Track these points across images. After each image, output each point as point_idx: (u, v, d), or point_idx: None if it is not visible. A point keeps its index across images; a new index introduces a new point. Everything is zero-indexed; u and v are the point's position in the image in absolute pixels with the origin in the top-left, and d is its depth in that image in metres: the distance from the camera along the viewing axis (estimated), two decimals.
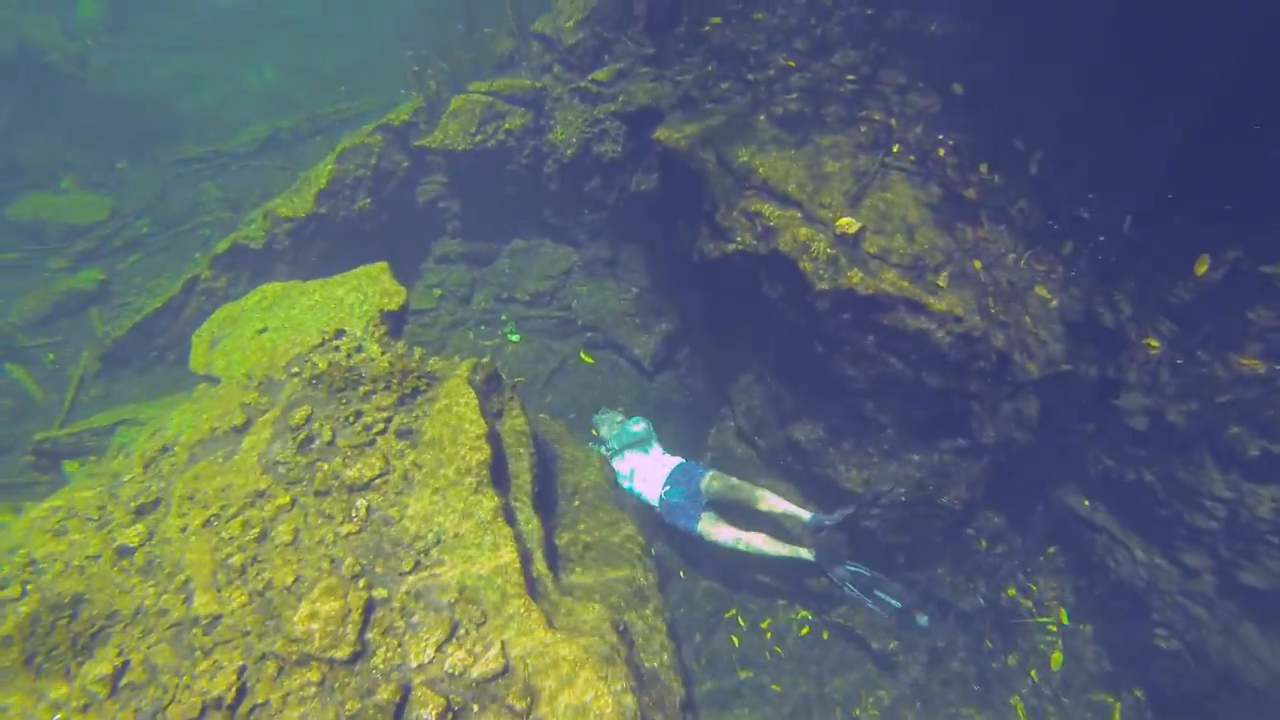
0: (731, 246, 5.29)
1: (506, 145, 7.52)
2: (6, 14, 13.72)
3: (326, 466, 3.97)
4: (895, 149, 5.36)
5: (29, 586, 3.88)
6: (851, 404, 5.25)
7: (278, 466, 4.05)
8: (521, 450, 4.42)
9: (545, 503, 4.69)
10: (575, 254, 8.22)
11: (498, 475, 4.07)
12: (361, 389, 4.36)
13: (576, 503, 5.01)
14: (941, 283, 4.65)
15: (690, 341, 7.59)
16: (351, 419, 4.18)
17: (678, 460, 5.98)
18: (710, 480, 5.58)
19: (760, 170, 5.21)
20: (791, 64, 6.31)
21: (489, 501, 3.80)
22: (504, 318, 7.97)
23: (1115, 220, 4.88)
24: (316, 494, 3.87)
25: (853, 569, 5.31)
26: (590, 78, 7.12)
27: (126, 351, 7.48)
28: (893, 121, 5.58)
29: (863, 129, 5.58)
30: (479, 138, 7.39)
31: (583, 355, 7.56)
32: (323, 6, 17.08)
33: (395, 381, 4.35)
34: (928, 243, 4.83)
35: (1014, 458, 5.15)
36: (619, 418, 6.42)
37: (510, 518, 3.91)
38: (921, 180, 5.23)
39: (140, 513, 4.10)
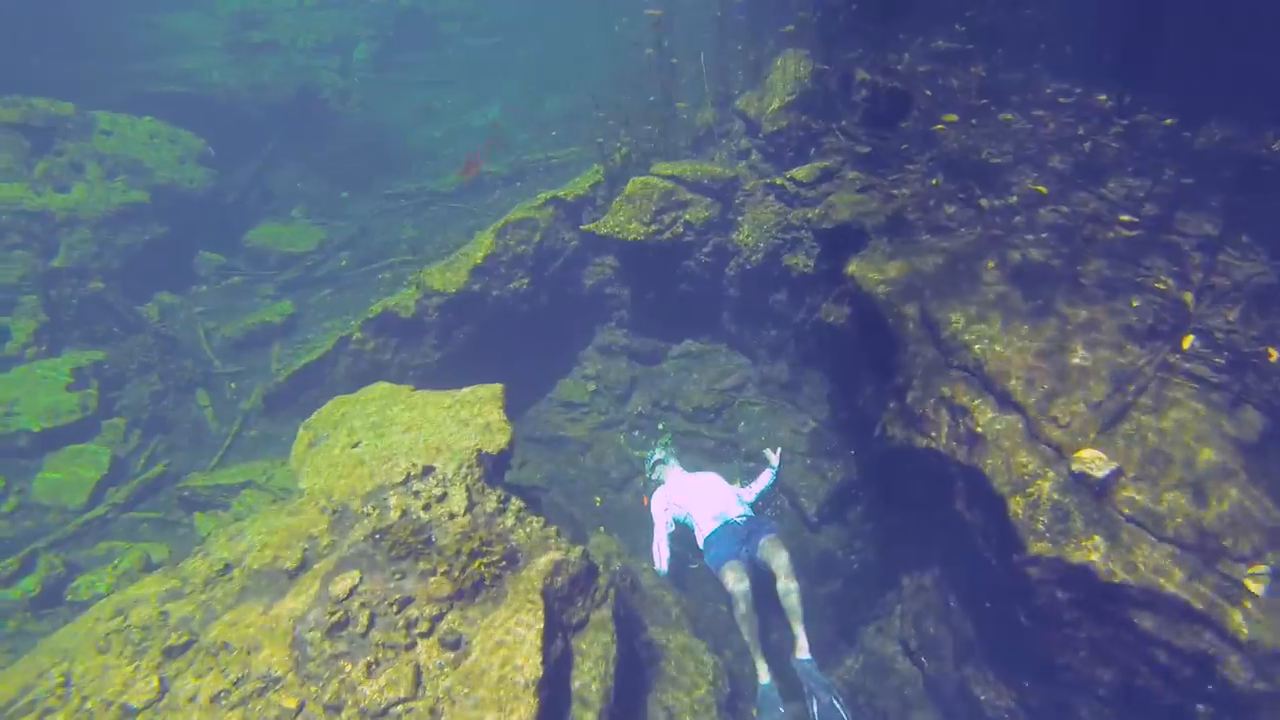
0: (923, 441, 3.96)
1: (684, 239, 6.65)
2: (302, 59, 15.51)
3: (349, 670, 3.26)
4: (1187, 341, 3.71)
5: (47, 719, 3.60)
6: (1064, 694, 3.66)
7: (305, 646, 3.42)
8: (594, 687, 3.44)
9: None
10: (751, 369, 7.15)
11: None
12: (421, 564, 3.64)
13: None
14: (1253, 584, 2.99)
15: (865, 501, 6.21)
16: (396, 608, 3.46)
17: (745, 509, 5.39)
18: (770, 542, 5.01)
19: (975, 348, 3.83)
20: (1043, 189, 4.80)
21: None
22: (661, 427, 7.07)
23: None
24: (326, 708, 3.17)
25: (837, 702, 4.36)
26: (789, 174, 6.04)
27: (286, 396, 7.58)
28: (1188, 296, 3.92)
29: (1136, 302, 3.96)
30: (653, 228, 6.59)
31: None
32: (556, 50, 17.56)
33: (459, 566, 3.57)
34: (1232, 509, 3.17)
35: None
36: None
37: None
38: (1229, 400, 3.53)
39: (169, 654, 3.67)
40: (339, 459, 4.53)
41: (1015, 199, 4.84)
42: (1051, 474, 3.32)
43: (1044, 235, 4.49)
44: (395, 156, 13.51)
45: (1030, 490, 3.30)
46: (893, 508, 5.66)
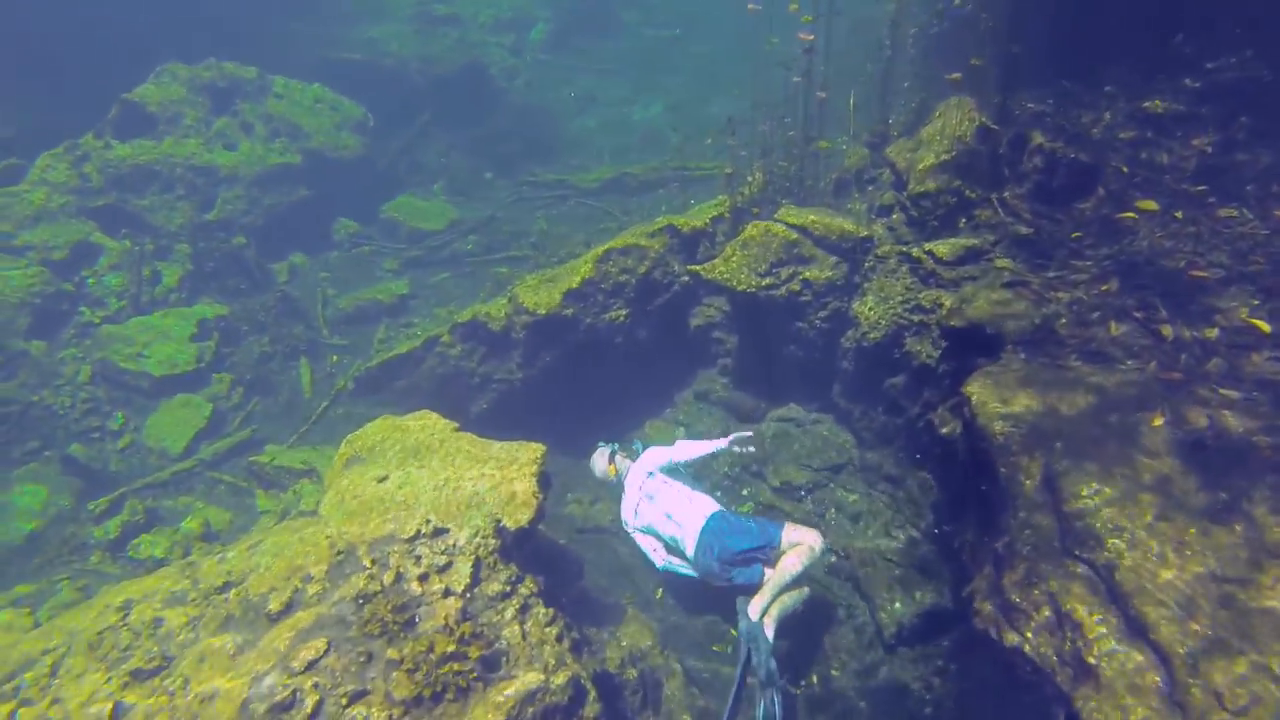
0: (1013, 637, 3.07)
1: (799, 298, 5.86)
2: (478, 35, 15.74)
3: None
4: None
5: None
6: None
7: (249, 718, 3.14)
8: None
9: None
10: (854, 450, 6.27)
11: None
12: (390, 650, 3.26)
13: None
14: None
15: (955, 637, 5.24)
16: (346, 700, 3.10)
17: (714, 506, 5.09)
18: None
19: (1109, 541, 2.88)
20: (1264, 326, 3.62)
21: None
22: (745, 493, 6.39)
23: None
24: None
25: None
26: (928, 246, 5.10)
27: (375, 382, 7.61)
28: None
29: None
30: (767, 280, 5.86)
31: None
32: (735, 50, 16.76)
33: (427, 666, 3.16)
34: None
35: None
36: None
37: None
38: None
39: (137, 676, 3.55)
40: (363, 491, 4.28)
41: (1216, 332, 3.70)
42: None
43: (1253, 395, 3.36)
44: (547, 142, 13.39)
45: None
46: (985, 657, 4.70)
